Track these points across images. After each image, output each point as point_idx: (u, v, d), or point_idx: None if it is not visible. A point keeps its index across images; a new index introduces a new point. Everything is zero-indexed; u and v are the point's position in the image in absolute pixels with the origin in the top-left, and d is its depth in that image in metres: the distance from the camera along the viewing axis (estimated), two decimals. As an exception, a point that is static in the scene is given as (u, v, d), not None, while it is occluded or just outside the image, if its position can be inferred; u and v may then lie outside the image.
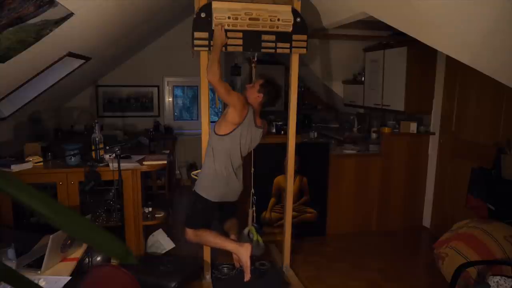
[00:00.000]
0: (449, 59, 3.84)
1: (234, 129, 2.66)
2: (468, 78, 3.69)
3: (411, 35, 2.57)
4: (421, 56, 4.01)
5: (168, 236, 3.51)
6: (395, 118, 4.65)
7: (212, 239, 2.82)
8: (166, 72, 5.87)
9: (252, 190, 3.18)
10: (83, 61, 3.67)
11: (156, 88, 5.90)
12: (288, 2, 2.86)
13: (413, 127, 4.26)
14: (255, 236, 3.17)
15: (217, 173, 2.72)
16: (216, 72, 2.52)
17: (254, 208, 3.22)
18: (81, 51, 3.37)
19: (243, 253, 2.73)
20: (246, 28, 2.75)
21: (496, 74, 2.34)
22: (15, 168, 2.85)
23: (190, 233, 2.85)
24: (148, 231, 3.46)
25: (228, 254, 3.49)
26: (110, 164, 2.97)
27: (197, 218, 2.85)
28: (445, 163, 4.09)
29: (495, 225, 2.68)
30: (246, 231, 3.19)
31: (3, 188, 0.59)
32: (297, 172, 3.62)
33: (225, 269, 3.26)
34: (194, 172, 2.91)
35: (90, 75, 5.00)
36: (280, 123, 4.09)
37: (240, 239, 3.12)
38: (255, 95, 2.76)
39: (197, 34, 2.70)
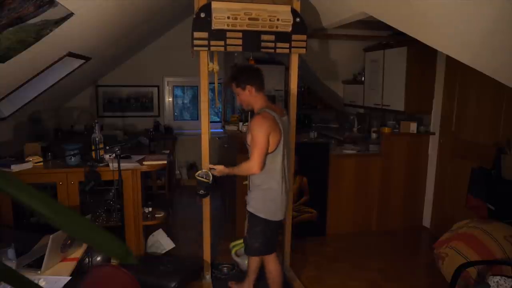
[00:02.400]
0: (449, 59, 3.84)
1: (280, 141, 2.44)
2: (468, 78, 3.69)
3: (410, 35, 2.57)
4: (421, 56, 4.02)
5: (168, 236, 3.51)
6: (395, 118, 4.65)
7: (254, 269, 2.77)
8: (166, 72, 5.87)
9: None
10: (83, 61, 3.67)
11: (156, 88, 5.90)
12: (288, 2, 2.86)
13: (413, 127, 4.26)
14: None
15: (277, 191, 2.48)
16: (252, 165, 2.36)
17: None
18: (81, 51, 3.37)
19: None
20: (245, 28, 2.75)
21: (496, 74, 2.34)
22: (15, 168, 2.85)
23: (272, 263, 2.67)
24: (148, 231, 3.47)
25: (228, 253, 3.50)
26: (110, 164, 2.97)
27: (272, 243, 2.65)
28: (445, 163, 4.09)
29: (495, 225, 2.68)
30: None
31: (3, 188, 0.59)
32: (297, 172, 3.63)
33: (225, 269, 3.26)
34: (198, 173, 2.84)
35: (90, 75, 5.01)
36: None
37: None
38: (246, 94, 2.49)
39: (196, 34, 2.71)
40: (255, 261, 2.78)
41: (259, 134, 2.33)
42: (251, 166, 2.37)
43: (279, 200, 2.50)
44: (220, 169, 2.67)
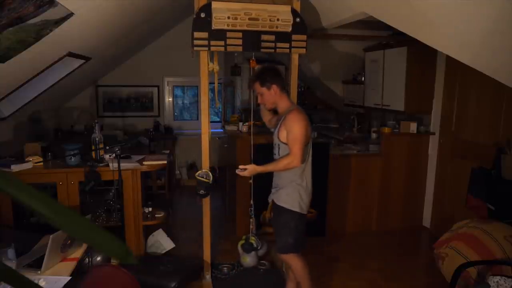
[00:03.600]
0: (449, 59, 3.84)
1: (310, 136, 2.58)
2: (468, 78, 3.69)
3: (411, 35, 2.57)
4: (421, 56, 4.02)
5: (168, 236, 3.51)
6: (395, 118, 4.65)
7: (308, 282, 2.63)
8: (166, 72, 5.87)
9: (251, 201, 3.18)
10: (83, 61, 3.67)
11: (156, 88, 5.90)
12: (288, 2, 2.86)
13: (413, 127, 4.26)
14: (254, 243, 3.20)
15: (309, 184, 2.57)
16: (293, 159, 2.38)
17: (253, 218, 3.24)
18: (81, 51, 3.37)
19: None
20: (245, 28, 2.75)
21: (496, 74, 2.34)
22: (15, 168, 2.85)
23: (299, 261, 2.60)
24: (148, 231, 3.47)
25: (228, 253, 3.50)
26: (110, 164, 2.97)
27: (304, 238, 2.64)
28: (445, 163, 4.09)
29: (495, 225, 2.68)
30: (248, 238, 3.21)
31: (3, 188, 0.59)
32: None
33: (225, 269, 3.26)
34: (198, 173, 2.84)
35: (90, 75, 5.01)
36: (280, 123, 4.09)
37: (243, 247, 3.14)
38: (272, 94, 2.53)
39: (196, 34, 2.71)
40: (298, 259, 2.60)
41: (299, 128, 2.39)
42: (292, 160, 2.39)
43: (310, 193, 2.58)
44: (251, 168, 2.51)
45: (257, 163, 3.21)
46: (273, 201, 2.64)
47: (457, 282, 2.26)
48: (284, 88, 2.59)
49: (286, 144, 2.46)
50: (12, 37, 2.16)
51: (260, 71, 2.64)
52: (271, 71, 2.60)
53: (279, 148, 2.55)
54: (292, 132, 2.41)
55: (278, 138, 2.52)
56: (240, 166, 2.54)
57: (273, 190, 2.66)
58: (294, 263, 2.62)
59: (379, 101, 4.60)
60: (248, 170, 2.52)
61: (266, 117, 2.87)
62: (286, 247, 2.59)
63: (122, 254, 0.68)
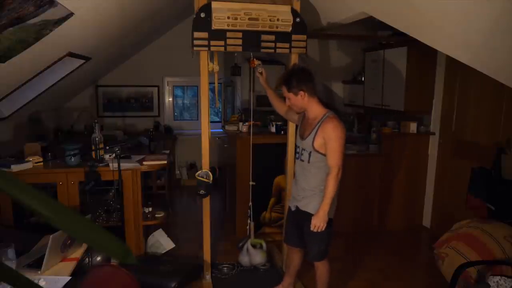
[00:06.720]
0: (449, 59, 3.84)
1: None
2: (468, 78, 3.69)
3: (411, 35, 2.57)
4: (421, 56, 4.01)
5: (168, 236, 3.51)
6: (395, 118, 4.65)
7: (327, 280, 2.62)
8: (166, 72, 5.87)
9: (250, 203, 3.18)
10: (83, 61, 3.67)
11: (156, 88, 5.90)
12: (288, 2, 2.86)
13: (413, 127, 4.26)
14: (263, 244, 3.25)
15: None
16: (338, 171, 2.37)
17: (252, 221, 3.25)
18: (81, 51, 3.37)
19: None
20: (245, 28, 2.75)
21: (496, 74, 2.34)
22: (15, 168, 2.85)
23: (328, 265, 2.58)
24: (148, 231, 3.47)
25: (228, 253, 3.50)
26: (110, 164, 2.97)
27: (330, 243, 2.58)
28: (445, 163, 4.09)
29: (495, 225, 2.68)
30: (250, 242, 3.24)
31: (3, 188, 0.59)
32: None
33: (225, 269, 3.26)
34: (198, 173, 2.85)
35: (90, 75, 5.01)
36: (280, 123, 4.09)
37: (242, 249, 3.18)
38: (299, 99, 2.42)
39: (196, 34, 2.71)
40: (328, 264, 2.58)
41: (340, 139, 2.36)
42: (337, 173, 2.35)
43: (336, 196, 2.48)
44: (322, 216, 2.35)
45: (258, 163, 3.21)
46: (297, 208, 2.53)
47: (457, 282, 2.26)
48: (314, 92, 2.43)
49: (320, 153, 2.37)
50: (12, 37, 2.16)
51: (287, 74, 2.49)
52: (299, 75, 2.42)
53: (309, 155, 2.42)
54: (332, 143, 2.33)
55: (313, 146, 2.39)
56: (312, 226, 2.36)
57: (297, 197, 2.53)
58: (325, 268, 2.57)
59: (379, 101, 4.60)
60: (320, 220, 2.35)
61: (281, 108, 2.79)
62: (320, 254, 2.52)
63: (122, 254, 0.68)
